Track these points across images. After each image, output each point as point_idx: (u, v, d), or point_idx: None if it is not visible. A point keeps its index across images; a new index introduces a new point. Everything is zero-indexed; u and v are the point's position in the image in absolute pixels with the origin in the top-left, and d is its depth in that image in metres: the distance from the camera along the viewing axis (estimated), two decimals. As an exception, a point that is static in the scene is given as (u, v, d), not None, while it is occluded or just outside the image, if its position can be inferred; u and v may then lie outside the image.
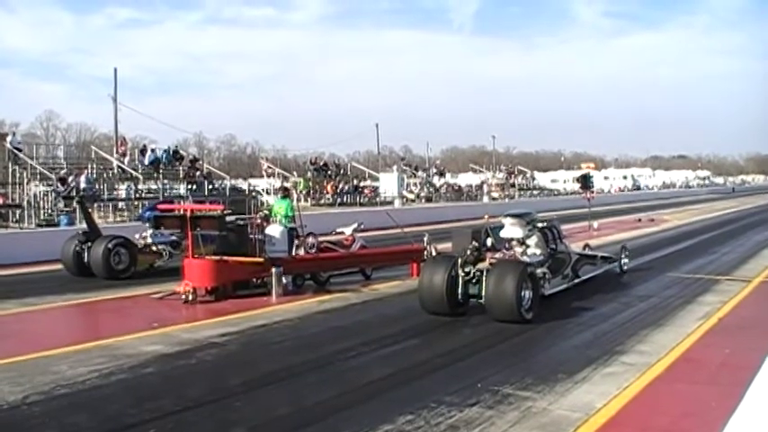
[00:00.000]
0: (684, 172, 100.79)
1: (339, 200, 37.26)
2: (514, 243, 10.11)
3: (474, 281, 8.83)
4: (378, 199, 39.45)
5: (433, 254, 12.44)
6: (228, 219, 11.69)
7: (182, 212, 11.33)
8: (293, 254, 11.56)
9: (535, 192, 56.77)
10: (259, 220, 11.92)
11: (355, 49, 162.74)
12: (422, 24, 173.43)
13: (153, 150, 30.25)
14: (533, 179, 63.85)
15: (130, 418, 5.15)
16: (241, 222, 12.00)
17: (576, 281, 10.91)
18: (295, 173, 42.20)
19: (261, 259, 10.75)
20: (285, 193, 13.02)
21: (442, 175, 52.71)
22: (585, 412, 5.16)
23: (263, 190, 34.28)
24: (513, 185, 54.72)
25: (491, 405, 5.35)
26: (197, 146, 69.05)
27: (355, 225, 13.56)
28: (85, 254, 12.94)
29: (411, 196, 43.03)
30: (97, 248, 12.67)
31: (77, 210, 18.03)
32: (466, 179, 58.08)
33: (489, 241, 9.87)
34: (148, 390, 5.90)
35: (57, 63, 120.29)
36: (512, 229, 10.05)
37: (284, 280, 10.78)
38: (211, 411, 5.33)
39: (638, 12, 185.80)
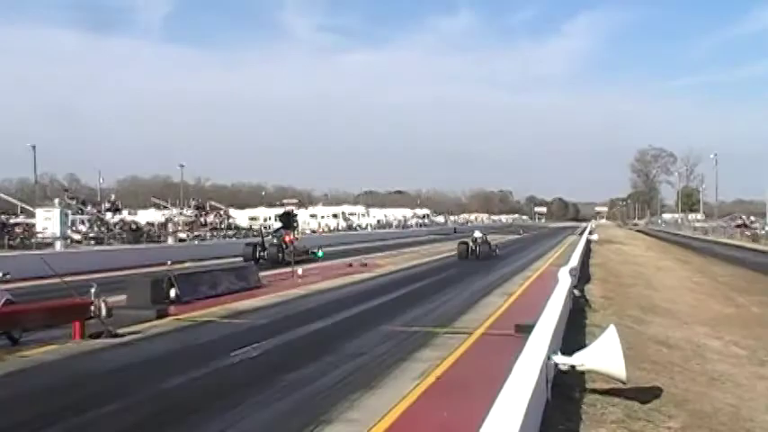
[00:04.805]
0: (402, 210, 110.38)
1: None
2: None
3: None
4: (33, 240, 38.31)
5: (103, 310, 12.12)
6: None
7: None
8: None
9: (230, 232, 57.03)
10: None
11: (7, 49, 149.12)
12: (97, 26, 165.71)
13: None
14: (229, 217, 64.29)
15: None
16: None
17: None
18: None
19: None
20: None
21: (117, 210, 51.01)
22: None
23: None
24: (204, 224, 54.41)
25: None
26: None
27: (-2, 274, 12.77)
28: None
29: (77, 237, 41.65)
30: None
31: None
32: (147, 216, 57.27)
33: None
34: None
35: None
36: None
37: None
38: None
39: (358, 28, 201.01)
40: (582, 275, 22.92)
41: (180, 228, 50.34)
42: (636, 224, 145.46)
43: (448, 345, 11.76)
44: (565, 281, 13.95)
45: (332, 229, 74.32)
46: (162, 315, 14.47)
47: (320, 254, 32.97)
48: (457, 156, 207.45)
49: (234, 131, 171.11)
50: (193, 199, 64.76)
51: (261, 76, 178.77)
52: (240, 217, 71.68)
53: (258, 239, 33.05)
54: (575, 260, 21.39)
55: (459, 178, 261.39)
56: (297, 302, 17.56)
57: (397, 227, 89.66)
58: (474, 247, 33.65)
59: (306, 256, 30.84)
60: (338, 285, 21.50)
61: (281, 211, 43.80)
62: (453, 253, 34.53)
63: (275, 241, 30.87)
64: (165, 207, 60.22)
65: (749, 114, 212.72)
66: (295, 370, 9.64)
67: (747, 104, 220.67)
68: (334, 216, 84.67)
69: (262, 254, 30.62)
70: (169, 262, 18.15)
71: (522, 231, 73.88)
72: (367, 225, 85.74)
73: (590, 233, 57.94)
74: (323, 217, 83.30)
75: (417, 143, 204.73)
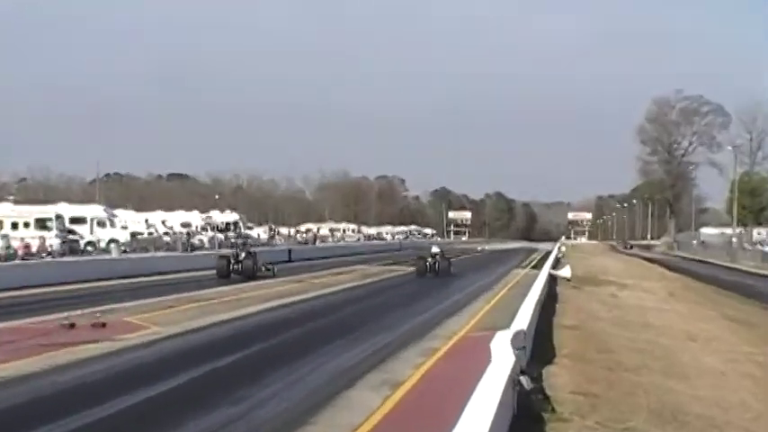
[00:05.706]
0: (183, 214, 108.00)
1: None
2: None
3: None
4: None
5: None
6: None
7: None
8: None
9: None
10: None
11: None
12: None
13: None
14: None
15: None
16: None
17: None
18: None
19: None
20: None
21: None
22: None
23: None
24: None
25: None
26: None
27: None
28: None
29: None
30: None
31: None
32: None
33: None
34: None
35: None
36: None
37: None
38: None
39: None
40: (538, 349, 23.54)
41: None
42: (648, 246, 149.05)
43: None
44: (503, 360, 14.23)
45: (34, 252, 71.03)
46: None
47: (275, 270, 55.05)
48: (296, 110, 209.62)
49: None
50: None
51: None
52: None
53: (231, 251, 54.63)
54: (523, 318, 21.84)
55: (300, 153, 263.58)
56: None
57: (172, 247, 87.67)
58: (433, 263, 60.00)
59: (265, 272, 53.27)
60: (43, 369, 20.50)
61: None
62: (294, 299, 37.59)
63: (244, 254, 52.41)
64: None
65: None
66: None
67: None
68: (41, 225, 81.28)
69: (236, 267, 51.31)
70: None
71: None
72: (110, 244, 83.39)
73: (554, 265, 59.35)
74: (16, 226, 79.81)
75: (211, 87, 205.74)
